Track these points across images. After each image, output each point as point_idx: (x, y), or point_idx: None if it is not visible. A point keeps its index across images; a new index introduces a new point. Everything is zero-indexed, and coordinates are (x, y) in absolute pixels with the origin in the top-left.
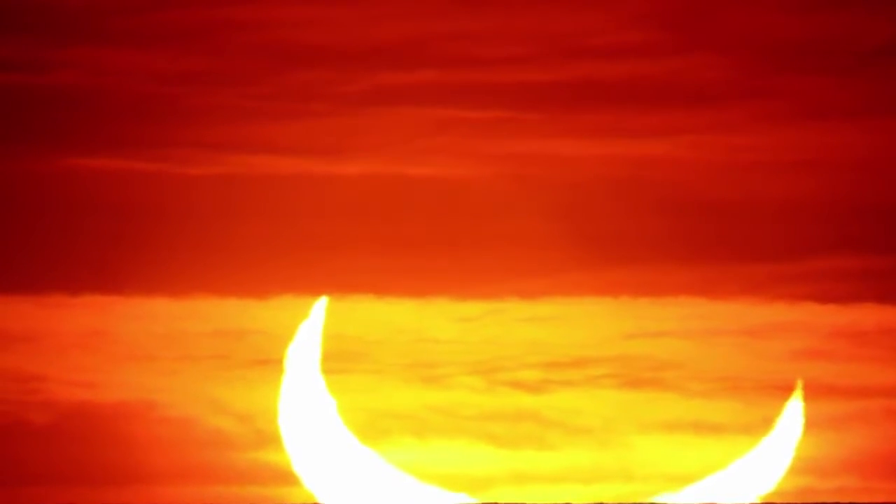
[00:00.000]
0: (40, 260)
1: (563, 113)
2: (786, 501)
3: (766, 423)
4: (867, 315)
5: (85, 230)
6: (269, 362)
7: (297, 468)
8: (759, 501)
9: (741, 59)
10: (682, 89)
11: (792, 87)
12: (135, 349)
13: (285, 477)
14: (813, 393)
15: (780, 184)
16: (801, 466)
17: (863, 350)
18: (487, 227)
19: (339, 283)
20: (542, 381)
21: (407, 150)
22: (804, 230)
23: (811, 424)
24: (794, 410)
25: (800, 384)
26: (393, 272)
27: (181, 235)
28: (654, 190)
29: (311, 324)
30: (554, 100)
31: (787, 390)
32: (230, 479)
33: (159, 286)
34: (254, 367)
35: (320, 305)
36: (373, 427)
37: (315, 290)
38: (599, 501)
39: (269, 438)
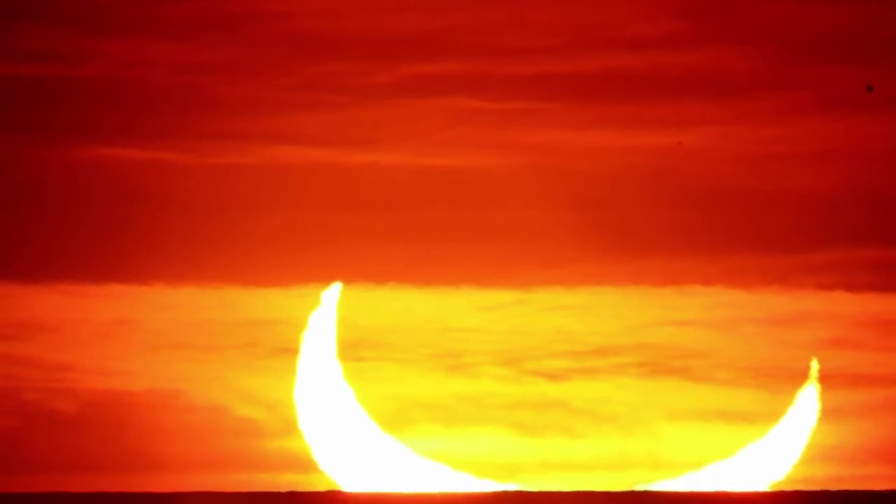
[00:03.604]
0: (67, 250)
1: (588, 104)
2: (813, 488)
3: (791, 411)
4: (893, 305)
5: (112, 220)
6: (296, 351)
7: (320, 457)
8: (783, 489)
9: (766, 51)
10: (707, 80)
11: (817, 77)
12: (161, 338)
13: (313, 465)
14: (839, 382)
15: (805, 174)
16: (828, 455)
17: (889, 340)
18: (512, 217)
19: (366, 272)
20: (568, 370)
21: (431, 141)
22: (829, 220)
23: (838, 413)
24: (811, 397)
25: (815, 371)
26: (418, 261)
27: (208, 225)
28: (679, 180)
29: (333, 313)
30: (578, 91)
31: (815, 379)
32: (258, 466)
33: (186, 275)
34: (281, 355)
35: (337, 293)
36: (400, 416)
37: (342, 279)
38: (626, 488)
39: (297, 427)
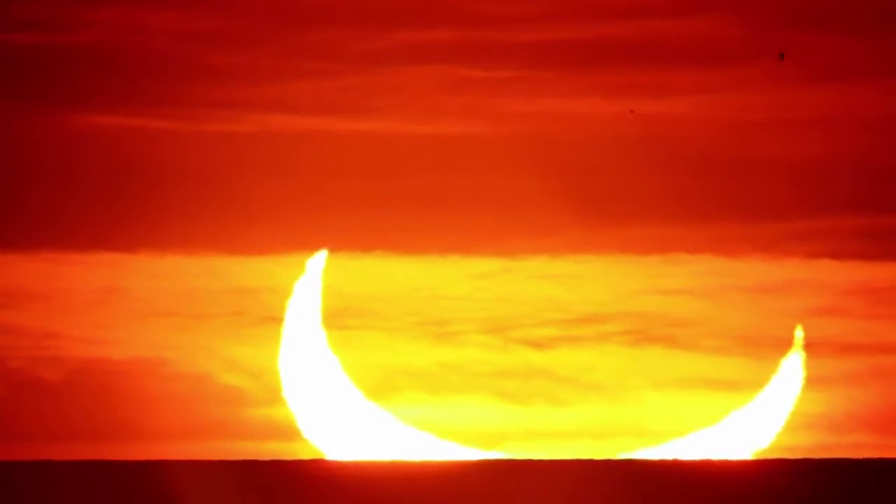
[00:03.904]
0: (54, 218)
1: (578, 72)
2: (797, 457)
3: (776, 380)
4: (881, 273)
5: (100, 188)
6: (282, 319)
7: (304, 425)
8: (767, 457)
9: (757, 19)
10: (698, 48)
11: (809, 46)
12: (148, 306)
13: (297, 433)
14: (825, 350)
15: (795, 143)
16: (813, 423)
17: (877, 308)
18: (501, 185)
19: (353, 240)
20: (554, 339)
21: (421, 109)
22: (818, 189)
23: (823, 382)
24: (796, 365)
25: (799, 339)
26: (405, 229)
27: (196, 193)
28: (669, 148)
29: (319, 281)
30: (569, 59)
31: (801, 347)
32: (242, 435)
33: (173, 244)
34: (267, 323)
35: (322, 261)
36: (385, 384)
37: (330, 247)
38: (610, 457)
39: (282, 395)
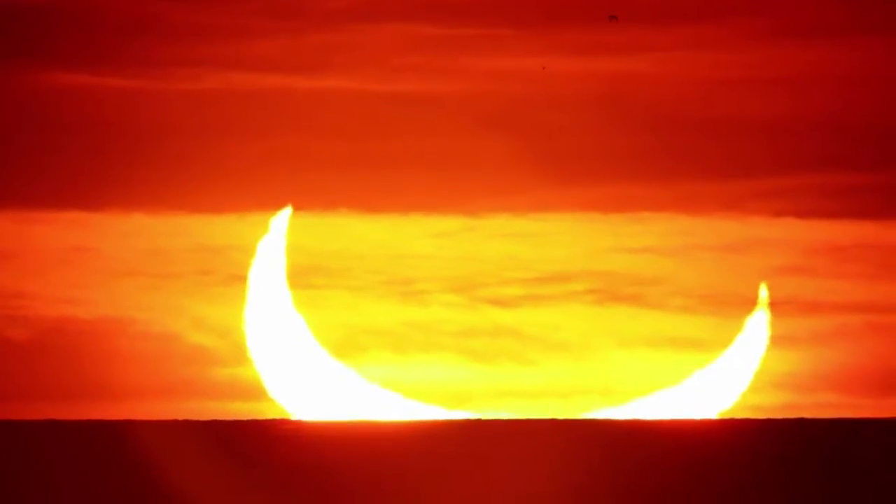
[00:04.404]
0: (20, 176)
1: (542, 30)
2: (766, 416)
3: (743, 339)
4: (846, 231)
5: (66, 147)
6: (248, 278)
7: (270, 384)
8: (732, 416)
9: None
10: (663, 5)
11: (776, 3)
12: (116, 265)
13: (263, 392)
14: (791, 309)
15: (760, 101)
16: (779, 382)
17: (843, 266)
18: (465, 144)
19: (317, 199)
20: (521, 297)
21: (384, 67)
22: (784, 147)
23: (789, 341)
24: (760, 324)
25: (764, 298)
26: (369, 188)
27: (162, 152)
28: (634, 107)
29: (283, 240)
30: (532, 16)
31: (766, 306)
32: (209, 394)
33: (140, 203)
34: (234, 282)
35: (286, 219)
36: (351, 343)
37: (295, 205)
38: (575, 416)
39: (248, 355)
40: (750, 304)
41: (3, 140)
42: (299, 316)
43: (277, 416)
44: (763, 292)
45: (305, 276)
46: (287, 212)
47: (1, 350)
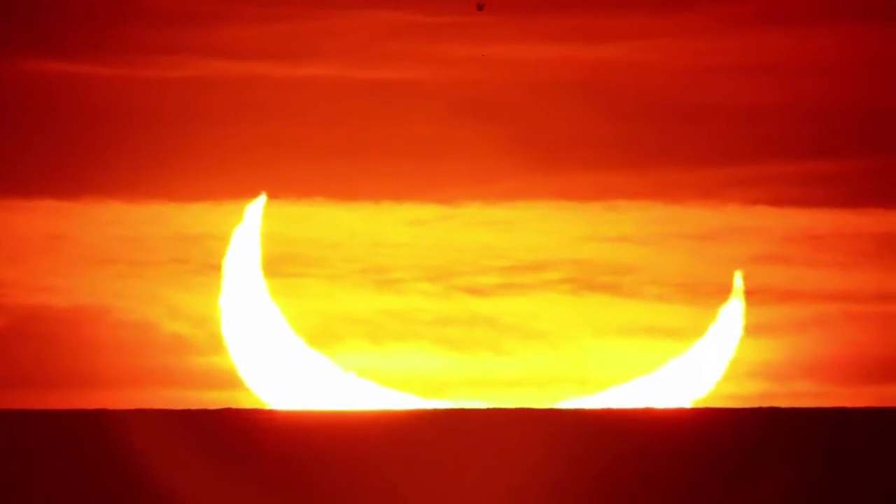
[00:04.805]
0: None
1: (521, 17)
2: (741, 405)
3: (717, 327)
4: (823, 219)
5: (43, 134)
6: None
7: (246, 374)
8: (710, 405)
9: None
10: None
11: None
12: (92, 253)
13: (239, 382)
14: (766, 297)
15: (738, 89)
16: (754, 371)
17: (819, 254)
18: (442, 132)
19: (293, 187)
20: (497, 286)
21: (362, 55)
22: (762, 135)
23: (764, 329)
24: (735, 313)
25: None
26: (345, 176)
27: (138, 140)
28: (612, 95)
29: (259, 228)
30: (510, 4)
31: (742, 294)
32: (185, 383)
33: (117, 191)
34: (211, 271)
35: (261, 207)
36: (326, 332)
37: (272, 194)
38: (551, 405)
39: (224, 344)
40: (726, 292)
41: None
42: (275, 305)
43: (253, 406)
44: (738, 281)
45: (281, 264)
46: (262, 200)
47: None
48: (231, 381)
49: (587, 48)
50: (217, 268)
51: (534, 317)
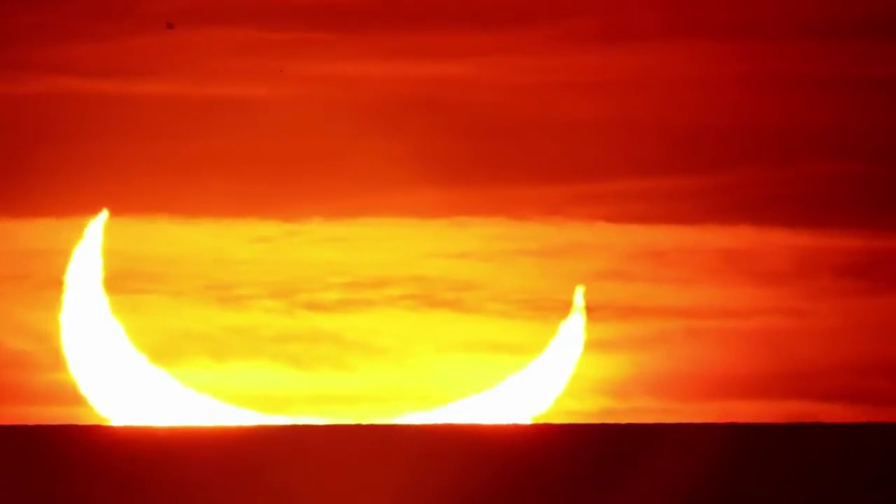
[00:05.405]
0: None
1: (362, 34)
2: (581, 421)
3: (554, 343)
4: (666, 236)
5: None
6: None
7: (87, 390)
8: (546, 421)
9: None
10: (484, 9)
11: (598, 6)
12: None
13: (81, 398)
14: (608, 314)
15: (581, 105)
16: (595, 387)
17: (661, 270)
18: (286, 148)
19: (135, 203)
20: (341, 302)
21: (204, 71)
22: (605, 151)
23: (605, 345)
24: (576, 328)
25: (580, 303)
26: (189, 193)
27: None
28: (454, 111)
29: (100, 244)
30: (354, 21)
31: (585, 311)
32: (28, 399)
33: None
34: (53, 287)
35: (103, 223)
36: (168, 348)
37: (116, 211)
38: (394, 420)
39: (67, 360)
40: (567, 308)
41: None
42: (116, 321)
43: (94, 422)
44: (580, 297)
45: (123, 280)
46: (104, 216)
47: None
48: (73, 397)
49: (428, 65)
50: (61, 284)
51: (376, 333)
